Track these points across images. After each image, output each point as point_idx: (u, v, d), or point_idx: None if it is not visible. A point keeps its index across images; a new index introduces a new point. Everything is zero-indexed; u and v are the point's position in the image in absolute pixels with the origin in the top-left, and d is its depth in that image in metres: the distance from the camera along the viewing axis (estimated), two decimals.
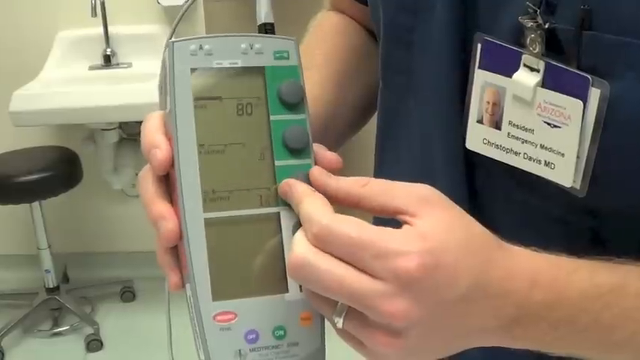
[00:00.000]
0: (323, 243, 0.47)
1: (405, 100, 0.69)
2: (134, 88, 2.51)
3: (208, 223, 0.52)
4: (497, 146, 0.58)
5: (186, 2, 2.74)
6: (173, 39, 0.54)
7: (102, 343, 2.84)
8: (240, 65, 0.54)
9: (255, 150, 0.54)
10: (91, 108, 2.52)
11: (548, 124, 0.54)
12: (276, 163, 0.54)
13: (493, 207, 0.62)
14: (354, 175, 0.52)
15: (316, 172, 0.53)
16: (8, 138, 2.90)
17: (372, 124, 0.80)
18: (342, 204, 0.52)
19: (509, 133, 0.57)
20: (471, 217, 0.51)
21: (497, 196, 0.62)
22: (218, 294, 0.51)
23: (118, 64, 2.90)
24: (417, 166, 0.68)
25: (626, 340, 0.51)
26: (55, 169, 2.77)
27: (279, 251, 0.53)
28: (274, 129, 0.54)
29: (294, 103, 0.55)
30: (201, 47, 0.54)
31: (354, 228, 0.47)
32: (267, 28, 0.59)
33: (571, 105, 0.53)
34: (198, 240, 0.51)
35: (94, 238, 3.28)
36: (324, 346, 0.54)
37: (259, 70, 0.55)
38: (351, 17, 0.84)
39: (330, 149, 0.75)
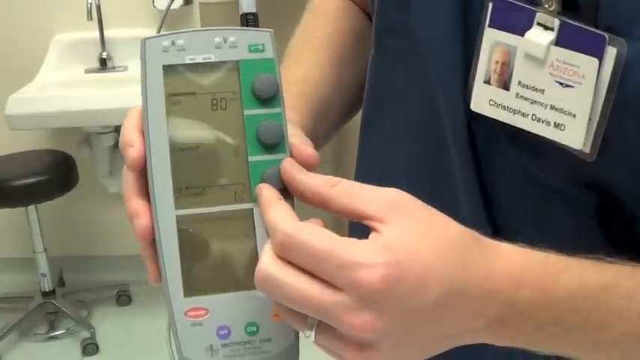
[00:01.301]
0: (287, 252, 0.47)
1: (400, 63, 0.67)
2: (130, 91, 2.49)
3: (180, 220, 0.52)
4: (504, 107, 0.56)
5: (181, 6, 2.74)
6: (146, 36, 0.54)
7: (98, 347, 2.84)
8: (213, 60, 0.54)
9: (229, 146, 0.53)
10: (87, 111, 2.51)
11: (560, 83, 0.52)
12: (250, 158, 0.53)
13: (496, 177, 0.60)
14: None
15: (287, 164, 0.52)
16: (4, 141, 2.90)
17: None
18: (309, 203, 0.51)
19: (517, 94, 0.55)
20: (447, 218, 0.49)
21: (498, 165, 0.60)
22: (189, 290, 0.52)
23: (113, 68, 2.90)
24: (416, 128, 0.66)
25: (615, 340, 0.50)
26: (51, 172, 2.76)
27: (252, 247, 0.53)
28: (248, 124, 0.53)
29: (269, 98, 0.54)
30: (173, 43, 0.53)
31: (317, 237, 0.46)
32: (248, 19, 0.58)
33: (586, 63, 0.51)
34: (170, 236, 0.52)
35: (90, 241, 3.27)
36: (298, 342, 0.53)
37: (233, 65, 0.54)
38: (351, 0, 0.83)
39: (328, 132, 0.76)
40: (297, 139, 0.55)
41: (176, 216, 0.52)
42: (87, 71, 2.90)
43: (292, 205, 0.52)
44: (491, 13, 0.56)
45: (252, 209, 0.53)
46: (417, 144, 0.66)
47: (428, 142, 0.65)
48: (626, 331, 0.50)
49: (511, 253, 0.50)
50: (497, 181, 0.60)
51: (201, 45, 0.53)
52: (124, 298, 3.13)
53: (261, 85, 0.53)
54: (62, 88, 2.72)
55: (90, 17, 2.77)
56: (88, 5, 2.75)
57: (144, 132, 0.53)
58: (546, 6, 0.53)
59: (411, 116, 0.67)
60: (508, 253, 0.50)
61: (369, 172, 0.74)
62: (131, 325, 2.97)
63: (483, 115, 0.58)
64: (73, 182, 2.84)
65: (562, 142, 0.53)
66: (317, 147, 0.58)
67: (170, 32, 0.54)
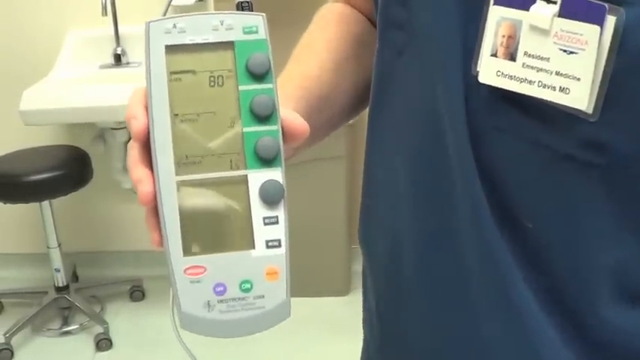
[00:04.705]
0: None
1: (402, 56, 0.70)
2: None
3: (181, 185, 0.57)
4: (511, 77, 0.60)
5: (196, 2, 2.74)
6: (150, 19, 0.59)
7: (111, 342, 2.85)
8: (211, 40, 0.59)
9: (225, 118, 0.58)
10: (102, 107, 2.52)
11: (564, 50, 0.57)
12: (244, 129, 0.58)
13: (497, 147, 0.63)
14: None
15: None
16: (19, 137, 2.91)
17: None
18: None
19: (524, 64, 0.59)
20: None
21: (502, 136, 0.63)
22: (188, 249, 0.56)
23: (128, 63, 2.90)
24: (417, 117, 0.69)
25: None
26: (65, 168, 2.77)
27: (247, 210, 0.57)
28: (242, 98, 0.58)
29: (261, 74, 0.59)
30: (175, 26, 0.58)
31: None
32: (243, 6, 0.62)
33: (588, 31, 0.55)
34: (171, 200, 0.56)
35: (104, 237, 3.29)
36: (289, 299, 0.57)
37: (229, 45, 0.59)
38: (355, 8, 0.87)
39: (322, 131, 0.80)
40: (288, 113, 0.60)
41: (176, 182, 0.56)
42: (101, 67, 2.91)
43: (282, 172, 0.58)
44: None
45: (247, 175, 0.57)
46: (416, 135, 0.69)
47: (426, 132, 0.68)
48: None
49: None
50: (498, 156, 0.62)
51: (200, 27, 0.59)
52: (137, 293, 3.14)
53: (254, 63, 0.58)
54: (77, 83, 2.73)
55: (104, 13, 2.77)
56: (103, 1, 2.75)
57: (147, 107, 0.58)
58: None
59: (411, 107, 0.70)
60: None
61: (376, 162, 0.77)
62: (144, 320, 2.98)
63: (484, 92, 0.61)
64: (87, 178, 2.85)
65: (568, 105, 0.57)
66: (311, 140, 0.64)
67: (172, 16, 0.59)
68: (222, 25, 0.59)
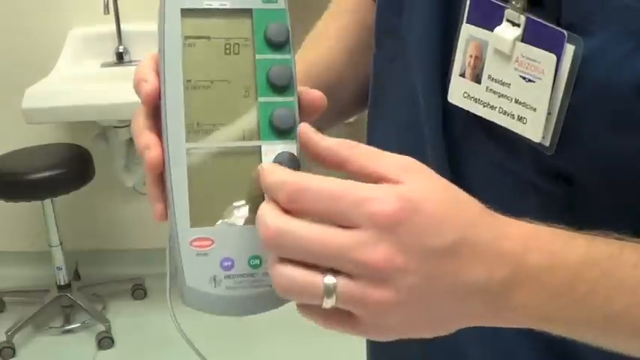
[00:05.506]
0: (297, 202, 0.47)
1: (394, 63, 0.70)
2: None
3: (190, 153, 0.54)
4: (475, 100, 0.59)
5: None
6: None
7: (113, 341, 2.85)
8: (229, 7, 0.57)
9: (240, 87, 0.56)
10: (104, 105, 2.52)
11: (524, 78, 0.55)
12: (260, 99, 0.56)
13: (470, 170, 0.62)
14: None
15: (304, 127, 0.54)
16: (21, 135, 2.91)
17: None
18: (324, 163, 0.52)
19: (487, 87, 0.58)
20: (456, 187, 0.50)
21: (474, 157, 0.62)
22: (196, 220, 0.53)
23: (130, 62, 2.90)
24: (404, 125, 0.69)
25: (622, 313, 0.50)
26: (67, 166, 2.77)
27: (259, 184, 0.54)
28: (259, 67, 0.56)
29: (280, 43, 0.57)
30: None
31: (329, 181, 0.47)
32: None
33: (545, 59, 0.54)
34: (180, 168, 0.54)
35: (106, 235, 3.29)
36: None
37: (247, 12, 0.57)
38: None
39: (329, 120, 0.77)
40: (303, 87, 0.58)
41: (186, 149, 0.54)
42: (103, 65, 2.91)
43: (297, 145, 0.55)
44: (469, 9, 0.59)
45: (260, 147, 0.55)
46: (402, 143, 0.68)
47: (409, 142, 0.67)
48: (630, 304, 0.50)
49: (520, 222, 0.51)
50: (471, 175, 0.62)
51: None
52: (139, 292, 3.14)
53: (273, 32, 0.57)
54: (79, 81, 2.73)
55: (107, 11, 2.77)
56: None
57: (159, 71, 0.56)
58: (513, 2, 0.55)
59: (399, 115, 0.70)
60: (517, 222, 0.51)
61: None
62: (146, 318, 2.98)
63: (459, 110, 0.60)
64: (89, 176, 2.85)
65: (524, 135, 0.56)
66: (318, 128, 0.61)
67: None
68: None
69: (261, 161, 0.55)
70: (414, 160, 0.50)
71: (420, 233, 0.46)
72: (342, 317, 0.48)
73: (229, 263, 0.53)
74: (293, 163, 0.54)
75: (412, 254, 0.46)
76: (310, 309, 0.49)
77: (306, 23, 0.86)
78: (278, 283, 0.48)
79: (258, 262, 0.54)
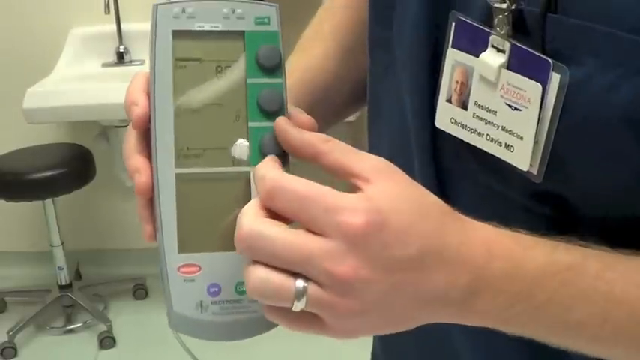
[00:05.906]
0: (273, 200, 0.48)
1: (387, 76, 0.70)
2: None
3: (179, 178, 0.54)
4: (462, 126, 0.58)
5: None
6: (158, 2, 0.56)
7: (115, 340, 2.85)
8: (220, 29, 0.56)
9: (230, 111, 0.56)
10: (104, 105, 2.51)
11: (510, 106, 0.54)
12: (250, 124, 0.56)
13: (458, 190, 0.62)
14: None
15: (281, 121, 0.54)
16: (22, 135, 2.91)
17: None
18: (301, 156, 0.52)
19: (474, 114, 0.57)
20: (425, 189, 0.51)
21: (463, 178, 0.62)
22: (184, 246, 0.54)
23: (131, 61, 2.91)
24: (395, 142, 0.69)
25: (581, 322, 0.51)
26: (68, 166, 2.77)
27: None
28: (250, 91, 0.56)
29: (272, 67, 0.56)
30: (184, 10, 0.56)
31: (305, 184, 0.48)
32: None
33: (531, 88, 0.53)
34: (168, 193, 0.54)
35: (107, 235, 3.29)
36: None
37: (239, 35, 0.56)
38: None
39: (327, 121, 0.77)
40: (294, 110, 0.58)
41: (175, 174, 0.54)
42: (104, 65, 2.91)
43: (287, 172, 0.54)
44: (454, 33, 0.58)
45: (250, 173, 0.54)
46: (395, 157, 0.68)
47: (400, 158, 0.67)
48: (592, 313, 0.51)
49: (484, 228, 0.51)
50: (460, 195, 0.61)
51: (210, 14, 0.56)
52: (140, 291, 3.14)
53: (264, 55, 0.56)
54: (79, 81, 2.73)
55: (107, 11, 2.78)
56: None
57: (149, 93, 0.55)
58: (498, 29, 0.54)
59: (390, 129, 0.70)
60: (481, 227, 0.51)
61: None
62: (148, 318, 2.98)
63: (448, 134, 0.60)
64: (90, 176, 2.85)
65: (511, 163, 0.55)
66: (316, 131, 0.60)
67: (179, 0, 0.56)
68: (233, 13, 0.56)
69: (249, 188, 0.55)
70: (388, 163, 0.51)
71: (386, 246, 0.47)
72: (308, 319, 0.49)
73: (216, 289, 0.54)
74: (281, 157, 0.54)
75: (378, 266, 0.47)
76: (277, 310, 0.49)
77: (300, 21, 0.85)
78: (251, 284, 0.48)
79: (245, 289, 0.52)
